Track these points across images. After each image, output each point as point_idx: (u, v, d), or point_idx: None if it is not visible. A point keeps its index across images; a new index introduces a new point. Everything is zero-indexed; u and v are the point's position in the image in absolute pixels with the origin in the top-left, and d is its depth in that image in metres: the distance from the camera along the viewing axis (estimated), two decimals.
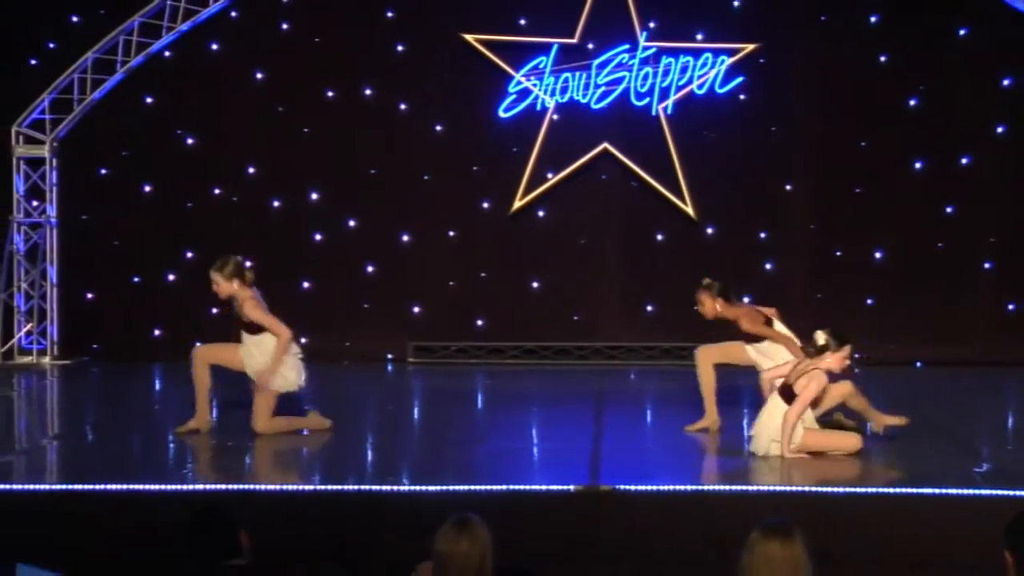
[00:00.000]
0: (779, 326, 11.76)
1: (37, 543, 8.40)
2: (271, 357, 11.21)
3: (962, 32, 16.67)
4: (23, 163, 16.65)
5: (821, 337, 10.53)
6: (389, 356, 17.09)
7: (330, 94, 16.97)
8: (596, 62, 16.68)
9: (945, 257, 16.74)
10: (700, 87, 16.68)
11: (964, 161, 16.78)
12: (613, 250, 17.03)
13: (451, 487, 9.25)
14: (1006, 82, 16.72)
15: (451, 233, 17.09)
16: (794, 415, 10.38)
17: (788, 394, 10.45)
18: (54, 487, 9.75)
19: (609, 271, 17.04)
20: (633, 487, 9.30)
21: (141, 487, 9.30)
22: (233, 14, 16.78)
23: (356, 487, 9.55)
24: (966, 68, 16.62)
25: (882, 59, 16.74)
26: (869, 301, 16.54)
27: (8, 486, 9.51)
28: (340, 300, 16.99)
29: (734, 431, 12.04)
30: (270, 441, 11.40)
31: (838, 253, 16.80)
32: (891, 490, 9.59)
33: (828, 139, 16.75)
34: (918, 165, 16.73)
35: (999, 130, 16.74)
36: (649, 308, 16.90)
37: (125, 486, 9.28)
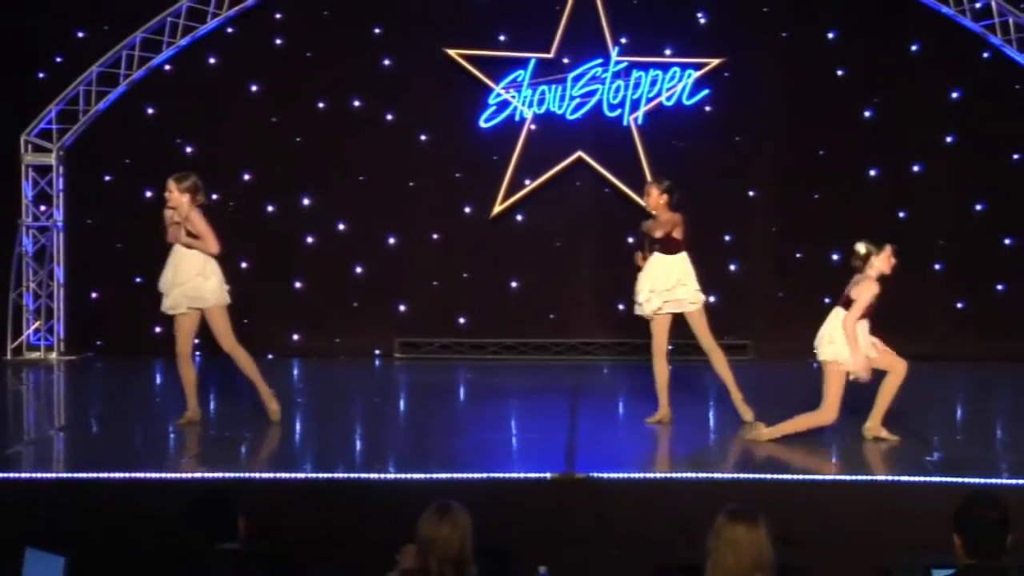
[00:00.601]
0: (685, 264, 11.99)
1: (44, 528, 8.38)
2: (197, 272, 11.43)
3: (914, 48, 16.68)
4: (31, 170, 16.57)
5: (862, 247, 10.81)
6: (377, 352, 17.04)
7: (321, 105, 16.92)
8: (571, 75, 16.65)
9: (898, 259, 16.72)
10: (669, 99, 16.67)
11: (916, 169, 16.79)
12: (587, 252, 17.01)
13: (435, 475, 9.26)
14: (955, 94, 16.72)
15: (435, 236, 17.05)
16: (852, 320, 10.66)
17: (848, 304, 10.76)
18: (60, 475, 9.73)
19: (583, 272, 17.01)
20: (606, 475, 9.32)
21: (142, 475, 9.30)
22: (229, 30, 16.71)
23: (346, 475, 9.54)
24: (917, 81, 16.63)
25: (839, 73, 16.75)
26: (827, 300, 16.43)
27: (18, 475, 9.50)
28: (330, 299, 16.95)
29: (699, 421, 12.05)
30: (264, 432, 11.39)
31: (798, 255, 16.80)
32: (849, 478, 9.62)
33: (789, 148, 16.74)
34: (873, 172, 16.73)
35: (948, 140, 16.75)
36: (620, 306, 16.85)
37: (127, 474, 9.27)
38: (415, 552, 5.73)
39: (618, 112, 16.67)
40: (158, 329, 16.42)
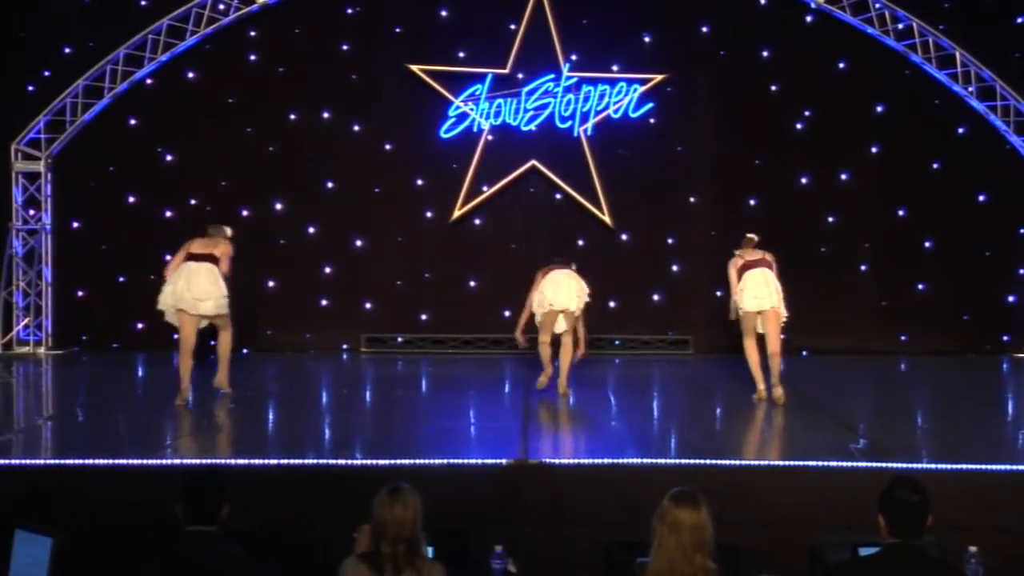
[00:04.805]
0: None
1: (33, 510, 8.29)
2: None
3: (841, 65, 16.75)
4: (21, 177, 16.48)
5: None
6: (344, 347, 16.99)
7: (292, 116, 16.86)
8: (525, 90, 16.66)
9: (827, 260, 16.82)
10: (616, 112, 16.69)
11: (843, 177, 16.87)
12: (540, 254, 16.88)
13: (398, 461, 9.20)
14: (879, 108, 16.82)
15: (399, 238, 17.01)
16: None
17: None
18: (48, 461, 9.64)
19: (536, 272, 16.97)
20: (557, 460, 9.30)
21: (124, 461, 9.22)
22: (207, 47, 16.64)
23: (315, 461, 9.49)
24: (845, 96, 16.72)
25: (773, 88, 16.81)
26: None
27: (8, 461, 9.41)
28: (301, 297, 16.89)
29: (644, 410, 12.04)
30: (239, 422, 11.34)
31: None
32: (781, 463, 9.62)
33: (726, 157, 16.78)
34: (804, 180, 16.80)
35: (873, 150, 16.85)
36: None
37: (110, 460, 9.20)
38: (369, 533, 5.68)
39: (569, 124, 16.68)
40: (139, 325, 16.34)
